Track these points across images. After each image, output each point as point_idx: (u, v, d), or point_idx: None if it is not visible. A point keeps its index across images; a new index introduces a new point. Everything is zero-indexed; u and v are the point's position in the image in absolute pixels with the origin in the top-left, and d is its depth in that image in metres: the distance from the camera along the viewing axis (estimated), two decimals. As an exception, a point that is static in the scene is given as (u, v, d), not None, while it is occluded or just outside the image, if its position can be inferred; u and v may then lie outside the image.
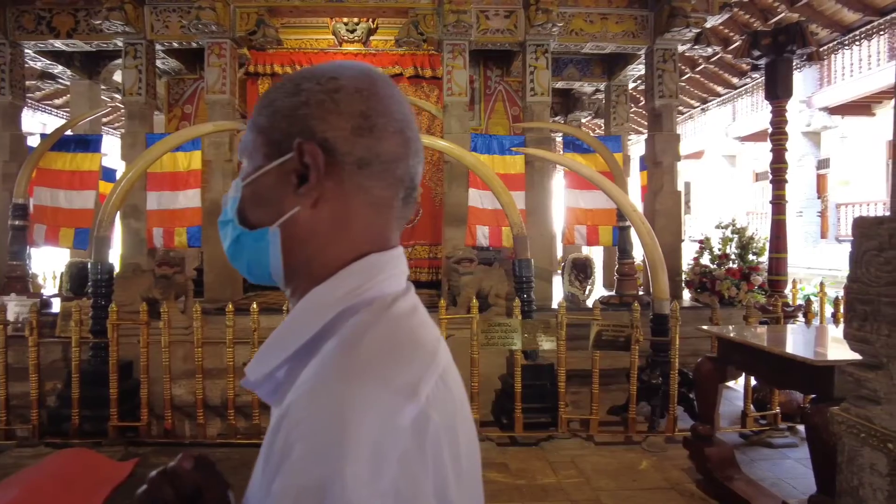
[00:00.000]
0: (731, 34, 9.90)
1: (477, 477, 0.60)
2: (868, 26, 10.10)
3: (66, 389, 4.34)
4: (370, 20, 7.27)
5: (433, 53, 7.10)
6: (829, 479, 2.46)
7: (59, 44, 6.32)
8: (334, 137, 0.59)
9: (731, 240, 6.19)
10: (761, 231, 6.66)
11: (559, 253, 8.28)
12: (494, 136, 6.30)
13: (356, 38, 7.32)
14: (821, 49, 7.69)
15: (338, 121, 0.60)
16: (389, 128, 0.61)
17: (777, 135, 5.16)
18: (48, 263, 8.59)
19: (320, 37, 7.52)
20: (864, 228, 1.41)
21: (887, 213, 1.40)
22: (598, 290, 7.04)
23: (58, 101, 11.55)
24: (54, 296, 6.82)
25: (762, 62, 5.16)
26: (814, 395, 2.76)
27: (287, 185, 0.60)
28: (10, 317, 4.66)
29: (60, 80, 7.65)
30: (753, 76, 7.43)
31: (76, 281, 6.40)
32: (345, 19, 7.20)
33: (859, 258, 1.42)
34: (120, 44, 6.13)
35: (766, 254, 5.78)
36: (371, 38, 7.43)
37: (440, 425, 0.52)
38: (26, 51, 6.45)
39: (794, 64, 5.16)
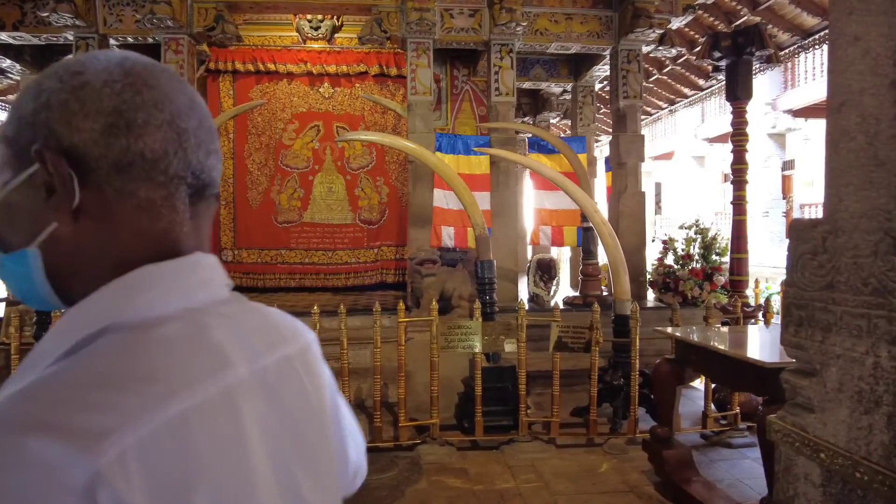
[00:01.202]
0: (697, 36, 10.02)
1: None
2: (826, 30, 10.31)
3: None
4: (334, 17, 7.15)
5: (398, 52, 7.01)
6: (779, 483, 2.45)
7: (4, 36, 6.05)
8: (83, 141, 0.52)
9: (695, 240, 6.24)
10: (727, 231, 6.74)
11: (529, 254, 8.27)
12: (459, 136, 6.24)
13: (320, 35, 7.19)
14: (781, 52, 7.83)
15: (84, 122, 0.52)
16: (152, 121, 0.54)
17: (738, 136, 5.20)
18: None
19: (284, 34, 7.37)
20: (799, 231, 1.38)
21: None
22: (564, 291, 7.03)
23: (11, 98, 11.15)
24: (0, 300, 6.54)
25: (723, 64, 5.19)
26: (765, 398, 2.75)
27: (37, 199, 0.52)
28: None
29: (9, 75, 7.34)
30: (718, 78, 7.49)
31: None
32: (308, 16, 7.07)
33: (795, 262, 1.39)
34: (71, 38, 5.91)
35: (728, 254, 5.83)
36: (335, 35, 7.31)
37: (135, 491, 0.41)
38: (-29, 44, 6.18)
39: (753, 66, 5.21)
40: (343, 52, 7.36)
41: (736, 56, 5.08)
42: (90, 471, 0.39)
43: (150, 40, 6.14)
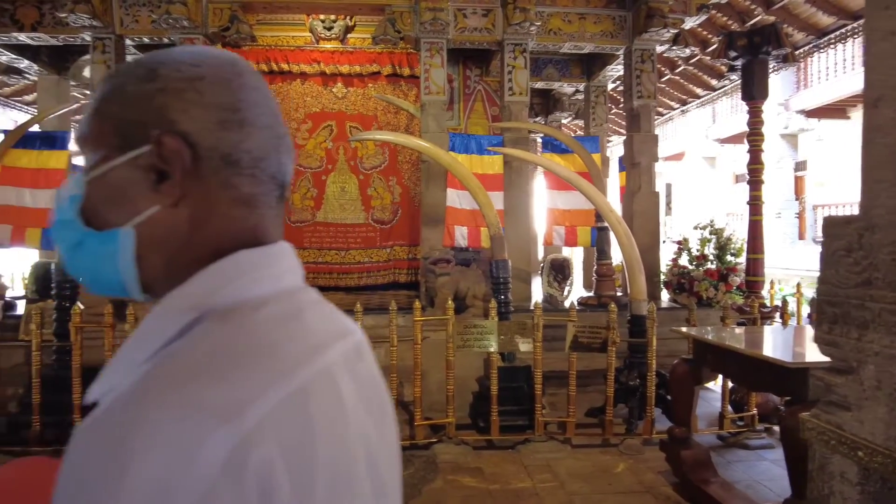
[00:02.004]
0: (710, 36, 9.97)
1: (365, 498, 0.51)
2: (842, 30, 10.23)
3: (28, 395, 4.19)
4: (347, 17, 7.17)
5: (411, 52, 7.02)
6: (804, 483, 2.43)
7: (23, 37, 6.12)
8: (197, 131, 0.53)
9: (709, 241, 6.21)
10: (741, 232, 6.70)
11: (541, 254, 8.26)
12: (472, 136, 6.24)
13: (333, 35, 7.21)
14: (796, 51, 7.76)
15: (201, 113, 0.53)
16: (259, 123, 0.56)
17: (753, 136, 5.17)
18: (15, 264, 8.35)
19: (297, 34, 7.39)
20: (833, 228, 1.37)
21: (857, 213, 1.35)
22: (577, 291, 7.01)
23: (29, 98, 11.27)
24: (20, 297, 6.62)
25: (738, 63, 5.16)
26: (788, 398, 2.73)
27: (142, 181, 0.53)
28: (-31, 320, 4.49)
29: (28, 76, 7.43)
30: (731, 78, 7.44)
31: (41, 282, 6.20)
32: (322, 16, 7.09)
33: (829, 259, 1.38)
34: (88, 38, 5.96)
35: (744, 255, 5.80)
36: (348, 35, 7.33)
37: (277, 456, 0.43)
38: (-11, 44, 6.25)
39: (769, 65, 5.18)
40: (356, 52, 7.38)
41: (752, 55, 5.05)
42: (233, 441, 0.41)
43: (166, 40, 6.20)
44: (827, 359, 1.55)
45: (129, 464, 0.39)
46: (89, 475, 0.40)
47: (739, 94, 5.47)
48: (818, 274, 1.47)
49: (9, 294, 6.50)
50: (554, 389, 4.74)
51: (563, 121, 9.84)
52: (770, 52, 4.94)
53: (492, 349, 4.16)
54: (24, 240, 6.04)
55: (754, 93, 5.09)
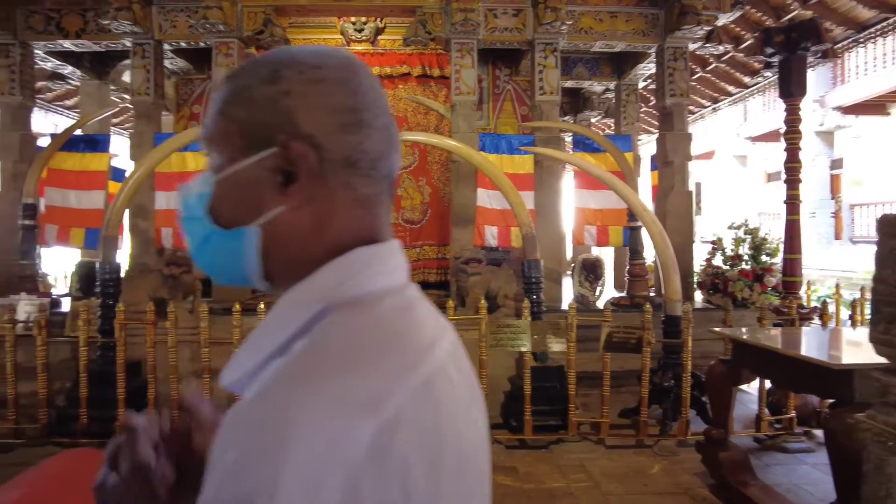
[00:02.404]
0: (743, 32, 9.78)
1: (481, 492, 0.54)
2: (883, 24, 9.94)
3: (74, 389, 4.34)
4: (378, 19, 7.24)
5: (441, 53, 7.05)
6: (850, 486, 2.39)
7: (68, 44, 6.34)
8: (320, 134, 0.55)
9: (744, 240, 6.10)
10: (773, 232, 6.58)
11: (569, 254, 8.21)
12: (503, 136, 6.25)
13: (364, 37, 7.29)
14: (835, 46, 7.58)
15: (324, 116, 0.55)
16: (376, 124, 0.58)
17: (791, 133, 5.08)
18: (58, 263, 8.63)
19: (328, 36, 7.49)
20: (889, 227, 1.35)
21: (916, 211, 1.33)
22: (608, 292, 6.96)
23: (69, 102, 11.62)
24: (64, 295, 6.84)
25: (775, 60, 5.08)
26: (832, 400, 2.68)
27: (269, 182, 0.55)
28: (21, 316, 4.67)
29: (70, 81, 7.68)
30: (766, 75, 7.31)
31: (85, 281, 6.41)
32: (352, 18, 7.17)
33: (884, 258, 1.36)
34: (128, 44, 6.14)
35: (780, 255, 5.69)
36: (379, 37, 7.40)
37: (413, 442, 0.46)
38: (36, 51, 6.47)
39: (808, 61, 5.08)
40: (386, 53, 7.44)
41: (789, 52, 4.96)
42: (376, 429, 0.44)
43: (202, 45, 6.34)
44: (878, 360, 1.53)
45: (289, 447, 0.42)
46: (248, 456, 0.43)
47: (772, 91, 5.41)
48: (865, 274, 1.45)
49: (54, 292, 6.73)
50: (585, 390, 4.72)
51: (593, 120, 9.77)
52: (809, 47, 4.84)
53: (525, 349, 4.17)
54: (69, 240, 6.26)
55: (792, 90, 4.99)
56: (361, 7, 6.30)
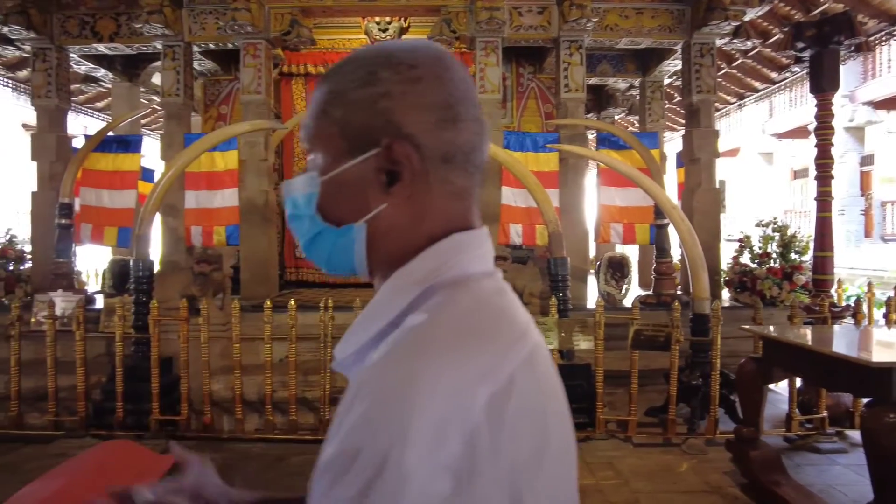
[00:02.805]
0: (771, 27, 9.61)
1: (569, 470, 0.56)
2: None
3: (110, 383, 4.46)
4: (402, 19, 7.28)
5: (465, 51, 7.06)
6: (887, 486, 2.36)
7: (101, 47, 6.49)
8: (420, 133, 0.57)
9: (772, 238, 6.02)
10: (801, 230, 6.47)
11: (592, 251, 8.16)
12: (528, 134, 6.24)
13: (388, 36, 7.34)
14: (868, 39, 7.42)
15: (422, 115, 0.57)
16: (468, 116, 0.60)
17: (822, 129, 4.99)
18: (90, 261, 8.85)
19: (352, 36, 7.56)
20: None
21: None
22: (633, 290, 6.91)
23: (99, 105, 11.90)
24: (97, 292, 7.02)
25: (806, 55, 4.99)
26: (869, 399, 2.65)
27: (373, 181, 0.58)
28: (58, 312, 4.80)
29: (102, 84, 7.86)
30: (794, 70, 7.18)
31: (118, 278, 6.57)
32: (377, 18, 7.23)
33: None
34: (159, 46, 6.27)
35: (810, 252, 5.60)
36: (403, 36, 7.44)
37: (523, 408, 0.50)
38: (71, 55, 6.64)
39: (840, 56, 4.98)
40: (410, 53, 7.48)
41: (821, 46, 4.87)
42: (493, 392, 0.48)
43: (230, 46, 6.45)
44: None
45: (416, 404, 0.46)
46: (377, 410, 0.47)
47: (799, 86, 5.31)
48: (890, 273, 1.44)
49: (87, 289, 6.90)
50: (611, 389, 4.69)
51: (616, 117, 9.70)
52: (842, 41, 4.75)
53: (552, 346, 4.17)
54: (103, 238, 6.42)
55: (824, 85, 4.90)
56: (387, 7, 6.35)
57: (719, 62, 11.81)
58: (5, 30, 6.02)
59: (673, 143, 13.91)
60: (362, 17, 7.22)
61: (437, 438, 0.45)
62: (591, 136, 8.83)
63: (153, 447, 4.06)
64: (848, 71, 12.06)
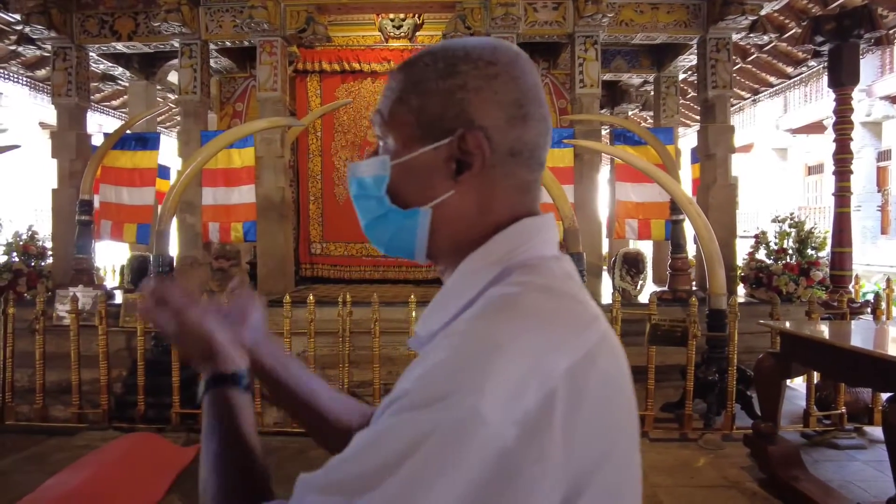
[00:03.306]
0: (787, 21, 9.51)
1: (637, 466, 0.58)
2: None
3: (131, 377, 4.53)
4: (416, 16, 7.30)
5: (479, 47, 7.06)
6: (911, 480, 2.36)
7: (120, 46, 6.57)
8: (491, 126, 0.60)
9: (789, 234, 5.98)
10: (816, 226, 6.42)
11: (605, 248, 8.15)
12: (542, 130, 6.23)
13: (402, 34, 7.37)
14: (889, 32, 7.33)
15: (495, 110, 0.60)
16: (536, 115, 0.62)
17: (841, 124, 4.95)
18: (107, 257, 8.96)
19: (367, 33, 7.60)
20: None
21: None
22: (648, 286, 6.90)
23: (115, 103, 12.01)
24: (115, 288, 7.12)
25: (825, 48, 4.95)
26: (891, 394, 2.64)
27: (443, 169, 0.61)
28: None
29: (120, 82, 7.95)
30: (810, 64, 7.11)
31: (137, 273, 6.66)
32: (391, 15, 7.25)
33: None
34: (176, 44, 6.33)
35: (827, 248, 5.56)
36: (417, 33, 7.47)
37: (599, 376, 0.52)
38: (90, 54, 6.73)
39: (860, 49, 4.94)
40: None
41: (841, 39, 4.83)
42: (573, 359, 0.50)
43: (245, 44, 6.50)
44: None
45: (498, 353, 0.48)
46: (457, 359, 0.49)
47: (815, 81, 5.25)
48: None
49: (105, 285, 7.00)
50: (627, 384, 4.71)
51: (630, 112, 9.66)
52: (862, 34, 4.71)
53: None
54: (122, 235, 6.50)
55: (843, 79, 4.86)
56: (401, 3, 6.37)
57: (734, 57, 11.73)
58: (27, 29, 6.11)
59: (686, 138, 13.82)
60: (377, 14, 7.25)
61: (514, 394, 0.47)
62: (605, 131, 8.81)
63: (174, 440, 4.13)
64: (865, 65, 11.88)
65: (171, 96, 8.69)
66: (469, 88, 0.60)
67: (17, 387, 4.56)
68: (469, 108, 0.60)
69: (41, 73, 9.72)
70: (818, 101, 13.29)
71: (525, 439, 0.46)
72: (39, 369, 4.47)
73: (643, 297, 6.08)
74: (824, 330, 3.39)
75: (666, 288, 6.20)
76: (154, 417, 4.39)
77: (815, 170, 16.94)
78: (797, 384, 5.27)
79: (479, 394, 0.46)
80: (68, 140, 6.46)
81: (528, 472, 0.46)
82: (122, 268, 7.33)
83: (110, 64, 7.14)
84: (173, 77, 7.74)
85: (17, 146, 5.94)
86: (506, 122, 0.60)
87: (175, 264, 5.16)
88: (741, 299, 5.98)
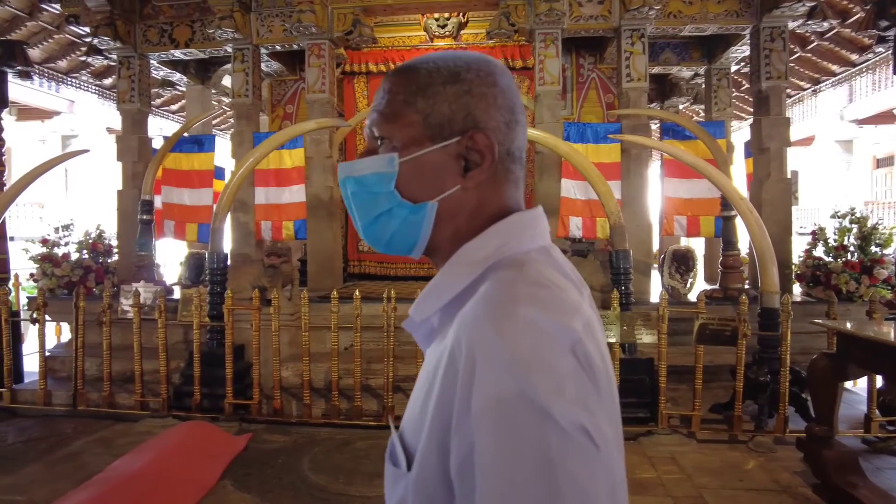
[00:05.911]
0: (851, 6, 9.04)
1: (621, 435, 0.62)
2: None
3: (188, 368, 4.76)
4: (460, 14, 7.33)
5: (524, 44, 7.05)
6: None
7: (178, 53, 6.89)
8: (494, 129, 0.66)
9: (850, 230, 5.69)
10: (884, 221, 6.08)
11: (656, 244, 7.97)
12: (588, 125, 6.16)
13: (447, 32, 7.42)
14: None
15: (497, 114, 0.67)
16: (521, 122, 0.70)
17: (909, 114, 4.68)
18: (166, 254, 9.39)
19: (412, 34, 7.68)
20: None
21: None
22: (699, 284, 6.72)
23: (173, 107, 12.56)
24: (174, 284, 7.46)
25: (891, 33, 4.70)
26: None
27: (451, 166, 0.66)
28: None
29: (178, 87, 8.33)
30: (878, 50, 6.72)
31: (193, 270, 6.97)
32: (436, 15, 7.31)
33: None
34: (229, 50, 6.58)
35: (893, 245, 5.27)
36: (461, 32, 7.50)
37: (595, 355, 0.56)
38: (150, 61, 7.08)
39: (929, 34, 4.67)
40: (469, 47, 7.53)
41: (907, 25, 4.58)
42: (575, 337, 0.55)
43: (295, 47, 6.69)
44: None
45: (524, 342, 0.53)
46: (496, 353, 0.53)
47: (883, 68, 4.96)
48: None
49: (164, 281, 7.35)
50: (674, 385, 4.60)
51: (681, 106, 9.38)
52: (930, 19, 4.45)
53: (612, 340, 4.14)
54: (185, 234, 6.84)
55: (910, 66, 4.61)
56: (446, 3, 6.40)
57: (791, 46, 11.21)
58: (95, 41, 6.49)
59: (740, 132, 13.33)
60: (421, 14, 7.32)
61: (556, 378, 0.52)
62: (654, 126, 8.60)
63: (227, 429, 4.33)
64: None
65: (225, 100, 9.04)
66: (474, 94, 0.66)
67: (87, 375, 4.88)
68: (475, 111, 0.66)
69: (108, 81, 10.27)
70: (888, 88, 12.55)
71: (592, 387, 0.54)
72: (107, 359, 4.76)
73: (693, 296, 5.93)
74: (889, 331, 3.23)
75: (717, 286, 6.02)
76: (209, 407, 4.61)
77: (884, 162, 16.01)
78: (859, 387, 5.03)
79: (534, 390, 0.51)
80: (131, 144, 6.82)
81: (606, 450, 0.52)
82: (180, 264, 7.67)
83: (169, 70, 7.50)
84: (227, 81, 8.05)
85: (86, 150, 6.30)
86: (505, 126, 0.68)
87: (229, 261, 5.37)
88: (797, 298, 5.75)
